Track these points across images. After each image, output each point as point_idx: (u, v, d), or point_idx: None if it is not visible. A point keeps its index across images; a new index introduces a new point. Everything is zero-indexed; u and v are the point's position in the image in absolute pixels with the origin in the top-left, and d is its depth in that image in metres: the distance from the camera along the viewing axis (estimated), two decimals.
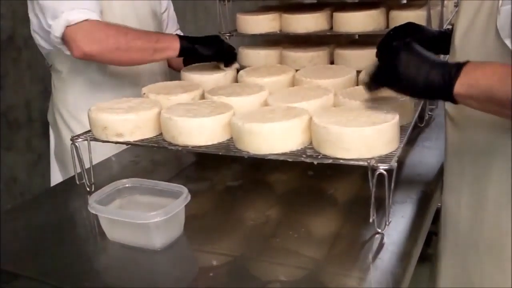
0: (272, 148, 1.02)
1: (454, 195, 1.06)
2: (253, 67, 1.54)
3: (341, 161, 0.96)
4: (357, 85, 1.30)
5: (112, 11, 1.50)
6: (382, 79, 0.96)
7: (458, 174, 1.04)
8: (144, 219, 0.94)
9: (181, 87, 1.32)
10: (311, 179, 1.23)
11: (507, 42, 0.85)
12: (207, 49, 1.43)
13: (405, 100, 1.11)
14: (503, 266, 0.96)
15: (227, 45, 1.48)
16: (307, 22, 1.59)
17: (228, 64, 1.46)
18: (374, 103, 1.08)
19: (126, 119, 1.14)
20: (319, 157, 0.99)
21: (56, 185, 1.29)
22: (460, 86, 0.84)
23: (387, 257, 0.91)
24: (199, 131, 1.09)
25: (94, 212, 0.99)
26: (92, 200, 1.00)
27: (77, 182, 1.19)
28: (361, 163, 0.94)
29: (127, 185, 1.07)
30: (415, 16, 1.46)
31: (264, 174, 1.28)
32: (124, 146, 1.29)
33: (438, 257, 1.16)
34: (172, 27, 1.87)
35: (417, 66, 0.88)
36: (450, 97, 0.86)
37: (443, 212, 1.12)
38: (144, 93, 1.30)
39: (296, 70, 1.42)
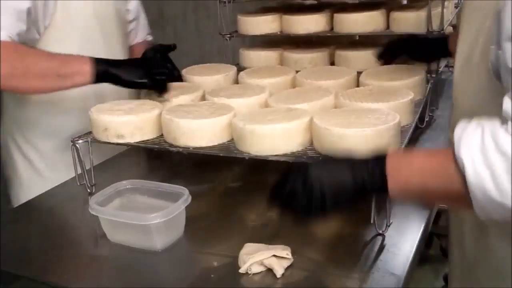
0: (273, 149, 1.02)
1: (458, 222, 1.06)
2: (254, 68, 1.54)
3: None
4: (358, 86, 1.30)
5: (68, 12, 1.32)
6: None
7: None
8: (145, 221, 0.94)
9: (182, 88, 1.32)
10: None
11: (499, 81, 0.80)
12: (132, 75, 1.20)
13: (406, 101, 1.11)
14: None
15: (160, 70, 1.23)
16: (307, 23, 1.59)
17: (160, 92, 1.25)
18: (375, 104, 1.08)
19: (127, 121, 1.14)
20: (320, 158, 0.99)
21: (57, 186, 1.29)
22: (391, 185, 0.76)
23: (388, 258, 0.91)
24: (200, 132, 1.09)
25: (94, 214, 0.99)
26: (93, 201, 1.00)
27: (78, 184, 1.19)
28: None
29: (127, 187, 1.07)
30: (416, 17, 1.47)
31: (265, 175, 1.28)
32: (125, 148, 1.30)
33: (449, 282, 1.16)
34: (142, 34, 1.67)
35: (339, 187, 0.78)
36: (382, 195, 0.80)
37: (450, 238, 1.12)
38: (145, 95, 1.30)
39: (297, 71, 1.42)
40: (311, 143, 1.04)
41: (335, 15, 1.58)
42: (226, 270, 0.90)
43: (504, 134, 0.68)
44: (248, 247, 0.92)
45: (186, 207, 0.98)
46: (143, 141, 1.15)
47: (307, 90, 1.26)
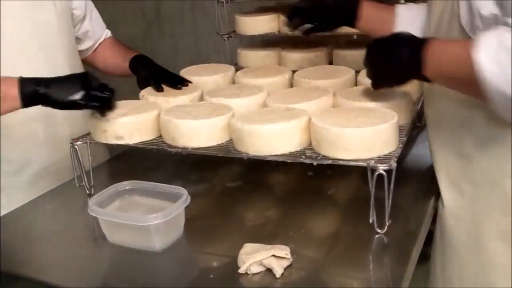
0: (271, 149, 1.02)
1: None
2: (250, 68, 1.54)
3: (340, 161, 0.97)
4: (356, 85, 1.30)
5: None
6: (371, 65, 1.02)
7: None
8: (144, 221, 0.94)
9: (179, 89, 1.32)
10: (310, 179, 1.23)
11: (472, 35, 0.88)
12: (65, 94, 1.05)
13: (404, 100, 1.11)
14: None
15: (98, 86, 1.09)
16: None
17: (102, 111, 1.12)
18: (373, 103, 1.09)
19: (126, 122, 1.14)
20: (319, 158, 0.99)
21: (56, 188, 1.29)
22: (427, 72, 0.90)
23: (387, 258, 0.91)
24: (199, 132, 1.09)
25: (94, 215, 0.99)
26: (92, 202, 1.00)
27: (77, 185, 1.19)
28: (360, 163, 0.94)
29: (127, 187, 1.07)
30: None
31: (264, 175, 1.28)
32: (124, 148, 1.29)
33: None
34: (99, 33, 1.53)
35: (391, 46, 0.96)
36: (423, 78, 0.93)
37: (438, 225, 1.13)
38: (143, 96, 1.30)
39: (295, 71, 1.42)
40: (310, 143, 1.04)
41: None
42: (225, 270, 0.90)
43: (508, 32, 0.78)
44: (247, 247, 0.92)
45: (185, 208, 0.98)
46: (142, 142, 1.15)
47: (305, 89, 1.26)
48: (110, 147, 1.20)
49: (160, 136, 1.16)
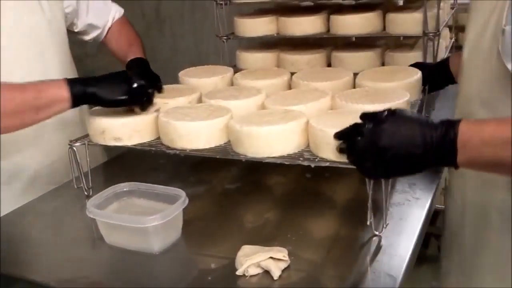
0: (270, 151, 1.02)
1: (458, 214, 1.06)
2: (249, 69, 1.54)
3: (338, 164, 0.96)
4: (354, 87, 1.31)
5: None
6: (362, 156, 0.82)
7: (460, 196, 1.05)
8: (142, 223, 0.94)
9: (178, 91, 1.33)
10: (309, 181, 1.23)
11: (508, 66, 0.82)
12: (111, 92, 1.10)
13: (402, 102, 1.11)
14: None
15: (139, 83, 1.13)
16: (304, 25, 1.59)
17: (144, 107, 1.16)
18: (371, 106, 1.09)
19: (124, 123, 1.14)
20: (317, 160, 0.99)
21: (54, 189, 1.29)
22: (461, 159, 0.76)
23: (384, 259, 0.91)
24: (197, 134, 1.09)
25: (92, 216, 0.99)
26: (90, 204, 1.01)
27: (75, 186, 1.19)
28: None
29: (125, 189, 1.07)
30: (412, 18, 1.47)
31: (262, 176, 1.28)
32: (122, 150, 1.29)
33: (443, 277, 1.16)
34: (103, 21, 1.51)
35: (409, 153, 0.77)
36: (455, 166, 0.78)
37: (446, 231, 1.12)
38: None
39: (293, 73, 1.42)
40: (308, 145, 1.04)
41: (332, 16, 1.58)
42: (223, 272, 0.90)
43: None
44: (245, 249, 0.92)
45: (184, 209, 0.99)
46: (140, 143, 1.15)
47: (303, 91, 1.26)
48: (107, 149, 1.20)
49: (159, 137, 1.16)
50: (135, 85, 1.12)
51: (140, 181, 1.09)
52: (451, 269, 1.12)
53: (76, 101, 1.09)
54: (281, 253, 0.89)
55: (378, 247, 0.95)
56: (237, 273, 0.88)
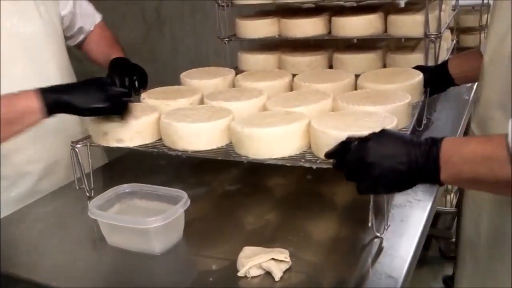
0: (271, 152, 1.02)
1: (473, 222, 1.06)
2: (250, 71, 1.55)
3: None
4: (356, 89, 1.31)
5: None
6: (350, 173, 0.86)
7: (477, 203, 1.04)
8: (144, 224, 0.94)
9: (180, 92, 1.33)
10: (310, 183, 1.23)
11: None
12: (86, 100, 1.05)
13: (403, 104, 1.11)
14: None
15: (116, 91, 1.11)
16: (305, 27, 1.60)
17: (123, 116, 1.12)
18: (372, 107, 1.09)
19: (126, 125, 1.14)
20: (318, 161, 0.99)
21: (56, 190, 1.29)
22: (443, 175, 0.78)
23: (386, 261, 0.91)
24: (199, 136, 1.09)
25: (94, 217, 0.99)
26: (92, 205, 1.01)
27: (77, 188, 1.20)
28: None
29: (126, 190, 1.08)
30: (413, 20, 1.47)
31: (263, 178, 1.28)
32: (124, 151, 1.30)
33: (456, 283, 1.16)
34: (88, 24, 1.52)
35: (393, 170, 0.80)
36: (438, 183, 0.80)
37: (461, 239, 1.12)
38: (144, 98, 1.31)
39: (295, 75, 1.42)
40: (309, 146, 1.04)
41: (333, 18, 1.58)
42: (224, 274, 0.90)
43: None
44: (247, 250, 0.92)
45: (185, 211, 0.99)
46: (142, 145, 1.15)
47: (305, 93, 1.26)
48: (108, 150, 1.20)
49: (161, 139, 1.16)
50: (111, 92, 1.08)
51: (141, 182, 1.09)
52: (465, 275, 1.12)
53: (50, 111, 1.04)
54: (283, 254, 0.89)
55: (380, 249, 0.95)
56: (239, 274, 0.88)
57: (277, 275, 0.87)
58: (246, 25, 1.69)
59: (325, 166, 0.98)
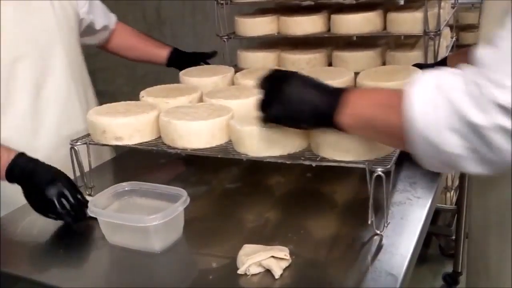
0: (271, 150, 1.02)
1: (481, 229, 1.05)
2: (249, 69, 1.55)
3: (339, 163, 0.96)
4: (355, 87, 1.31)
5: None
6: (270, 109, 0.92)
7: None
8: (144, 222, 0.94)
9: (179, 90, 1.33)
10: (309, 181, 1.23)
11: None
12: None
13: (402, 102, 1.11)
14: None
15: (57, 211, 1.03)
16: (305, 24, 1.60)
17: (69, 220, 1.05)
18: None
19: (125, 123, 1.14)
20: (318, 159, 0.99)
21: None
22: (345, 116, 0.82)
23: (386, 259, 0.91)
24: (198, 134, 1.09)
25: (93, 215, 0.99)
26: (92, 203, 1.01)
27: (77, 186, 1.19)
28: (359, 165, 0.95)
29: (126, 188, 1.07)
30: (412, 18, 1.47)
31: (263, 176, 1.28)
32: (123, 149, 1.30)
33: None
34: (110, 21, 1.61)
35: (303, 92, 0.87)
36: (333, 126, 0.85)
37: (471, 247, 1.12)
38: (143, 96, 1.31)
39: None
40: (309, 145, 1.04)
41: (332, 16, 1.58)
42: (224, 271, 0.90)
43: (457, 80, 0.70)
44: (247, 248, 0.92)
45: (185, 209, 0.99)
46: (141, 143, 1.15)
47: None
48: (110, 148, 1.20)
49: (160, 137, 1.16)
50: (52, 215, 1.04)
51: (141, 180, 1.09)
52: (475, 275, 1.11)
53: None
54: (283, 252, 0.89)
55: (379, 246, 0.95)
56: (239, 272, 0.88)
57: (277, 272, 0.87)
58: (245, 23, 1.69)
59: (325, 164, 0.98)
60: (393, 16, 1.52)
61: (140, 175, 1.17)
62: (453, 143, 0.69)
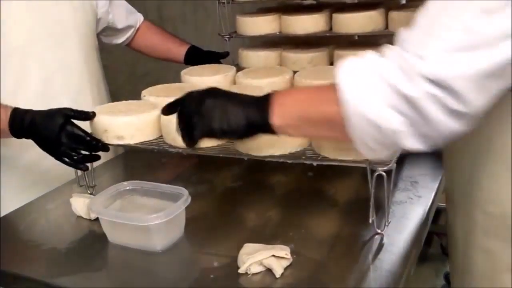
0: (272, 150, 1.02)
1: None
2: (251, 68, 1.54)
3: (340, 162, 0.96)
4: None
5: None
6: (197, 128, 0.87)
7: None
8: (145, 221, 0.94)
9: (180, 90, 1.32)
10: (311, 180, 1.23)
11: None
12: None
13: None
14: None
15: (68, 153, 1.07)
16: (306, 23, 1.59)
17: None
18: None
19: (127, 122, 1.14)
20: (319, 158, 0.99)
21: (57, 188, 1.29)
22: (277, 118, 0.81)
23: (386, 258, 0.91)
24: None
25: (95, 215, 0.99)
26: (93, 202, 1.01)
27: (79, 185, 1.20)
28: (360, 164, 0.94)
29: (128, 188, 1.08)
30: (414, 16, 1.47)
31: (264, 175, 1.29)
32: (125, 149, 1.30)
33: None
34: (127, 19, 1.62)
35: (228, 109, 0.84)
36: (270, 131, 0.83)
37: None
38: (144, 96, 1.31)
39: (296, 72, 1.42)
40: (310, 144, 1.04)
41: (334, 15, 1.58)
42: (225, 270, 0.91)
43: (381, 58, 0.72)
44: (248, 247, 0.92)
45: (186, 208, 0.99)
46: (143, 142, 1.15)
47: None
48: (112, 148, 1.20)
49: (161, 136, 1.16)
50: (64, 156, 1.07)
51: (142, 180, 1.09)
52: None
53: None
54: (283, 251, 0.89)
55: (380, 245, 0.95)
56: (240, 271, 0.88)
57: (278, 271, 0.87)
58: (247, 22, 1.69)
59: (326, 163, 0.98)
60: (395, 15, 1.51)
61: (141, 174, 1.17)
62: (393, 119, 0.70)
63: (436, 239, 2.25)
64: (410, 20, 1.57)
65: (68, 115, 1.08)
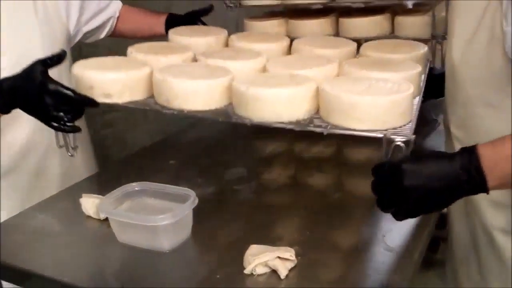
0: (277, 116, 0.94)
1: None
2: (245, 32, 1.46)
3: (353, 131, 0.89)
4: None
5: None
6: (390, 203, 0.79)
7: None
8: (153, 222, 0.95)
9: (170, 49, 1.20)
10: (316, 182, 1.24)
11: None
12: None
13: (416, 72, 1.04)
14: None
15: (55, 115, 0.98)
16: (313, 28, 1.59)
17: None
18: (385, 74, 1.01)
19: (115, 79, 1.03)
20: (328, 127, 0.91)
21: (66, 189, 1.30)
22: (492, 185, 0.74)
23: (390, 261, 0.92)
24: (196, 94, 1.00)
25: (104, 215, 1.01)
26: (103, 203, 1.03)
27: (59, 146, 1.10)
28: (376, 134, 0.87)
29: (136, 189, 1.09)
30: (420, 21, 1.47)
31: (270, 177, 1.29)
32: (132, 151, 1.30)
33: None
34: (110, 11, 1.51)
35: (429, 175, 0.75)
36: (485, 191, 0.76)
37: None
38: (131, 52, 1.18)
39: (293, 39, 1.31)
40: (316, 111, 0.96)
41: (340, 19, 1.59)
42: (231, 271, 0.92)
43: None
44: (253, 248, 0.93)
45: (193, 209, 1.00)
46: (132, 101, 1.04)
47: (307, 57, 1.15)
48: (114, 149, 1.20)
49: (152, 96, 1.05)
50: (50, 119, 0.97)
51: (149, 181, 1.10)
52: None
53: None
54: (288, 252, 0.90)
55: (384, 248, 0.96)
56: (245, 272, 0.89)
57: (283, 273, 0.88)
58: (254, 26, 1.69)
59: (336, 132, 0.90)
60: (401, 19, 1.52)
61: (148, 176, 1.17)
62: None
63: (442, 245, 2.24)
64: (415, 25, 1.58)
65: (43, 67, 0.96)
